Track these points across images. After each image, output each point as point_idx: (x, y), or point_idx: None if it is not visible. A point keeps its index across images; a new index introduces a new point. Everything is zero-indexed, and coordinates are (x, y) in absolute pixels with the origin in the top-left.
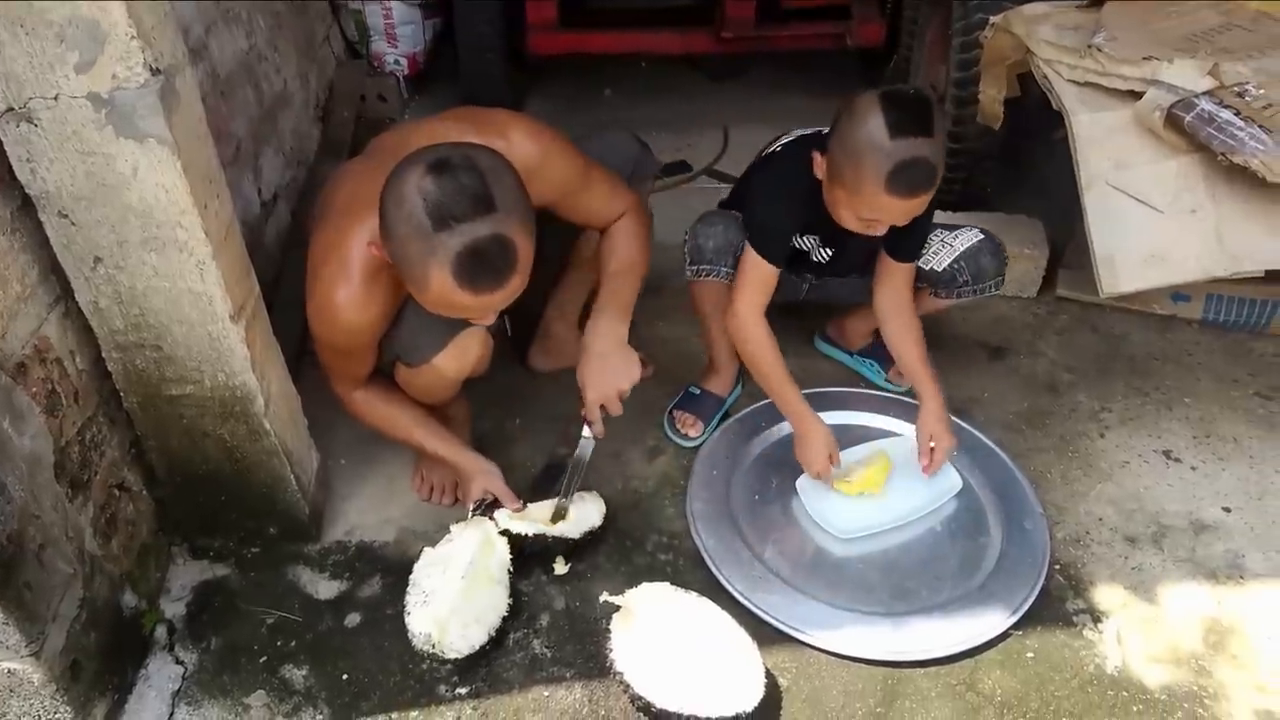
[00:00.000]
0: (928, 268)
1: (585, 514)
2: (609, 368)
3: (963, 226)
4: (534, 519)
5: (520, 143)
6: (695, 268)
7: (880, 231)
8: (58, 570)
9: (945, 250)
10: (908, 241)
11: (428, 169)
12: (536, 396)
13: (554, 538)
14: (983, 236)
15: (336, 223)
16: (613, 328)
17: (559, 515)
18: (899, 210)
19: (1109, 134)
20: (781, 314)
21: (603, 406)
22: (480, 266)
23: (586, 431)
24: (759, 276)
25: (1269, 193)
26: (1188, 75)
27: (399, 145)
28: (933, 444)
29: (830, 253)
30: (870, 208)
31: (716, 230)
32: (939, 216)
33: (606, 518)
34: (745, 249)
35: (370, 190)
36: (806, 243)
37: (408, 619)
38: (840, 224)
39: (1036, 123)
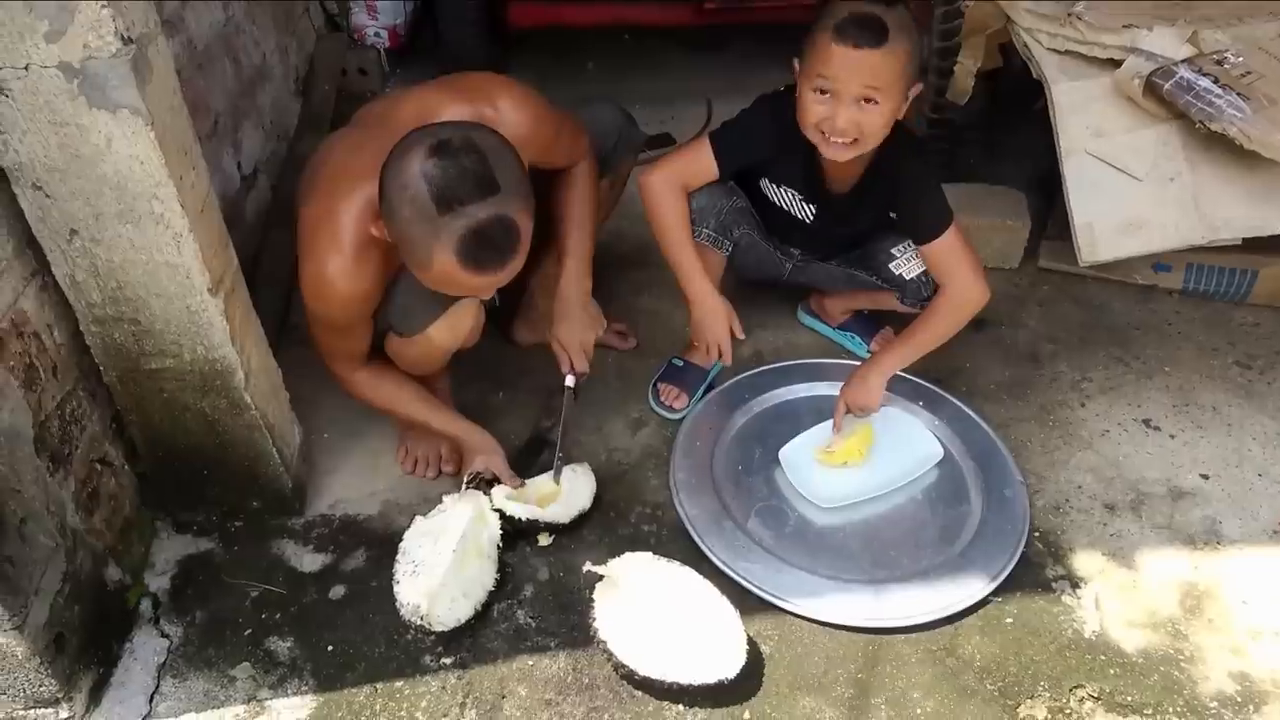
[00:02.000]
0: (897, 273)
1: (576, 497)
2: (583, 317)
3: None
4: (527, 499)
5: (508, 111)
6: None
7: (843, 123)
8: (39, 544)
9: (916, 260)
10: (916, 219)
11: (430, 151)
12: (519, 369)
13: (546, 523)
14: None
15: (325, 195)
16: (583, 282)
17: (558, 472)
18: (846, 65)
19: (1088, 102)
20: (764, 286)
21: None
22: (483, 248)
23: (570, 380)
24: (696, 161)
25: (1247, 160)
26: (1167, 43)
27: (386, 115)
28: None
29: (813, 211)
30: (821, 62)
31: (700, 192)
32: None
33: (594, 495)
34: (700, 137)
35: (359, 161)
36: (785, 196)
37: (396, 588)
38: (803, 129)
39: (1019, 93)
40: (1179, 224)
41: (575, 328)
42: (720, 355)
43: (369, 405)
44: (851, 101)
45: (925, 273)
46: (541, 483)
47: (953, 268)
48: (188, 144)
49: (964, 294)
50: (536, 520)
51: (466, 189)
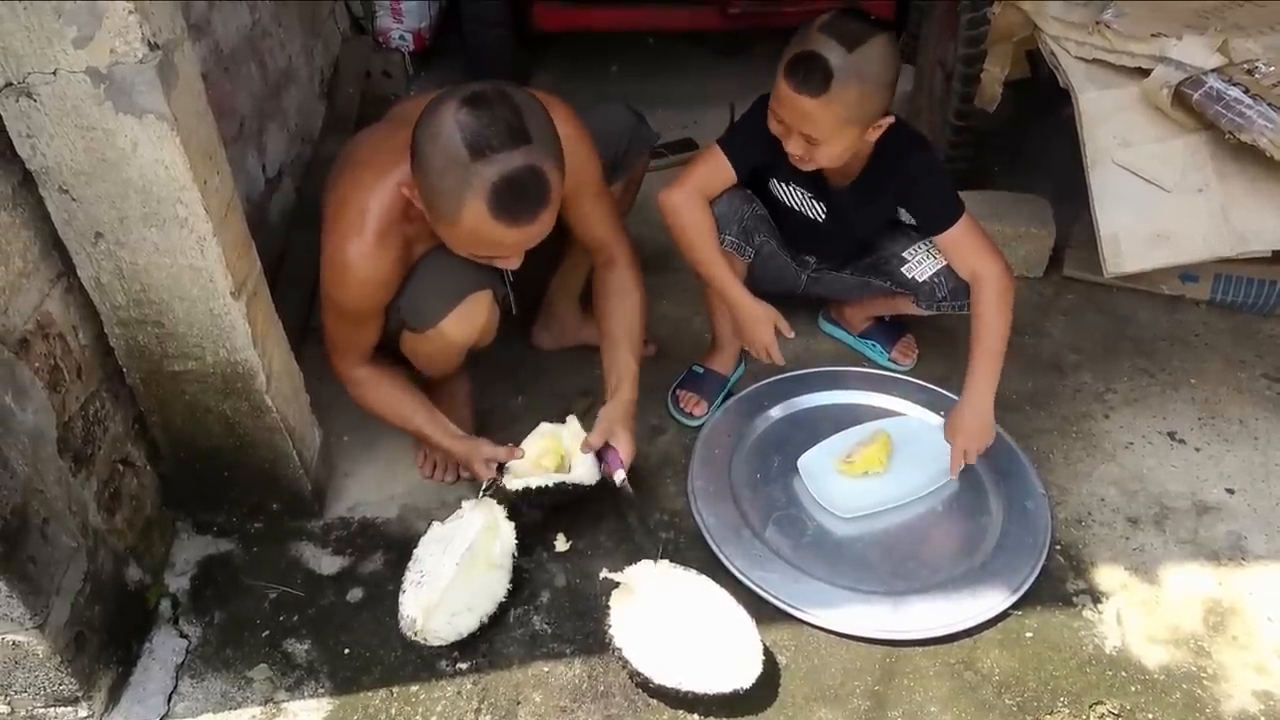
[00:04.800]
0: (910, 276)
1: (591, 465)
2: (630, 436)
3: None
4: (544, 468)
5: (558, 123)
6: None
7: (793, 149)
8: (61, 544)
9: (928, 262)
10: (927, 210)
11: (462, 102)
12: (539, 374)
13: (573, 485)
14: None
15: (351, 181)
16: (632, 401)
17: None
18: (787, 105)
19: (1116, 111)
20: (784, 294)
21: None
22: (514, 197)
23: (619, 477)
24: (712, 166)
25: (1277, 172)
26: (1197, 52)
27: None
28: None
29: (824, 210)
30: (775, 96)
31: (721, 198)
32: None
33: (608, 496)
34: (709, 146)
35: (388, 148)
36: (795, 196)
37: (401, 597)
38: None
39: (1045, 101)
40: (1207, 236)
41: (630, 437)
42: (770, 357)
43: (369, 408)
44: (797, 134)
45: (938, 274)
46: (535, 441)
47: (975, 254)
48: (213, 149)
49: (998, 280)
50: (563, 484)
51: (500, 137)
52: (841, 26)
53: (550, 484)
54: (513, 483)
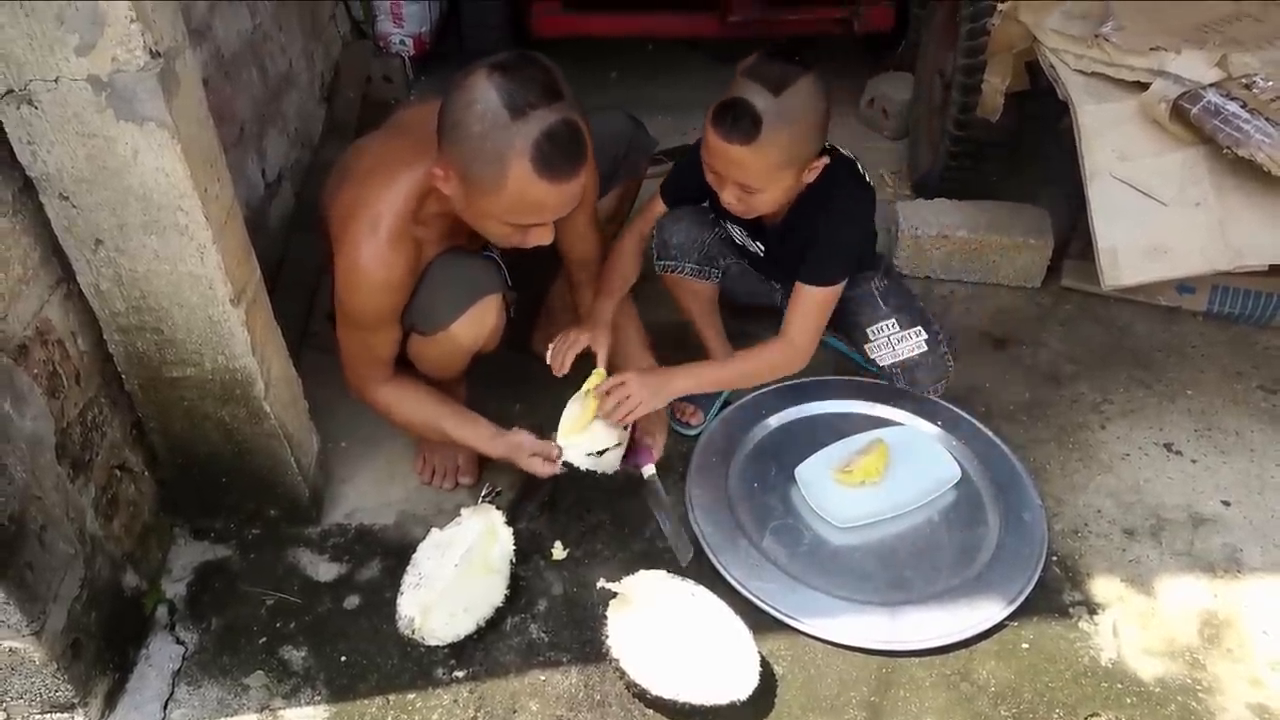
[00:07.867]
0: (872, 356)
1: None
2: (664, 438)
3: (914, 328)
4: (580, 447)
5: None
6: (661, 262)
7: (728, 199)
8: (59, 550)
9: (888, 351)
10: (810, 259)
11: (493, 69)
12: (538, 379)
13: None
14: (925, 350)
15: (359, 185)
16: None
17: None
18: (718, 154)
19: (1114, 125)
20: (768, 309)
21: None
22: (557, 152)
23: (649, 471)
24: (649, 208)
25: (1274, 186)
26: (1195, 66)
27: (423, 120)
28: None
29: (761, 247)
30: (705, 147)
31: (680, 227)
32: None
33: (606, 504)
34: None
35: (392, 155)
36: (736, 232)
37: (399, 599)
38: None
39: (1044, 112)
40: (1205, 249)
41: (664, 440)
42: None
43: (401, 426)
44: (732, 184)
45: (894, 365)
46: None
47: (802, 322)
48: (213, 156)
49: (788, 352)
50: (617, 444)
51: (536, 94)
52: (765, 70)
53: (612, 444)
54: (567, 455)
